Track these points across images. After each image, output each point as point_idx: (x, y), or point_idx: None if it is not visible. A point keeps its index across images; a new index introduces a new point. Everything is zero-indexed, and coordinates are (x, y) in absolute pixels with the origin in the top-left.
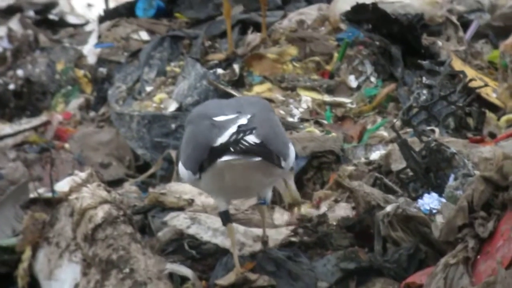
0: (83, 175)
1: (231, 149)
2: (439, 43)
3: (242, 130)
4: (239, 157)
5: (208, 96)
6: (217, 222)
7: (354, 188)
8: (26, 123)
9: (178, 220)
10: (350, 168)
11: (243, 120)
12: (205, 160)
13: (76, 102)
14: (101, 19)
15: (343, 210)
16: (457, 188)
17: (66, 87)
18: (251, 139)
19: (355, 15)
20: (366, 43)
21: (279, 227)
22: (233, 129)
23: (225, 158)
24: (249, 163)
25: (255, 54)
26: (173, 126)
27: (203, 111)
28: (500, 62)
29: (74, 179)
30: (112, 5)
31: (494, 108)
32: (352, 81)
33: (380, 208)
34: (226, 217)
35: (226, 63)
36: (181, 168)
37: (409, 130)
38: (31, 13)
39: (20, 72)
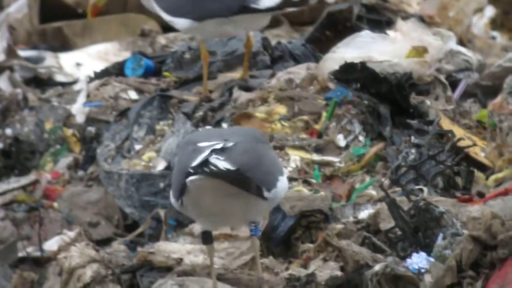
0: (71, 234)
1: (198, 170)
2: (428, 102)
3: (212, 153)
4: (205, 177)
5: None
6: (206, 284)
7: (342, 247)
8: (14, 182)
9: (166, 286)
10: (339, 227)
11: (219, 146)
12: (182, 184)
13: (65, 161)
14: (91, 80)
15: (332, 269)
16: (445, 248)
17: (55, 146)
18: (222, 164)
19: (344, 74)
20: (355, 102)
21: None
22: (206, 153)
23: (191, 178)
24: (216, 183)
25: (244, 114)
26: (161, 185)
27: (192, 138)
28: (489, 121)
29: (63, 238)
30: (102, 65)
31: (482, 167)
32: (341, 140)
33: (369, 268)
34: (207, 237)
35: (215, 122)
36: (171, 196)
37: (398, 189)
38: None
39: (8, 131)
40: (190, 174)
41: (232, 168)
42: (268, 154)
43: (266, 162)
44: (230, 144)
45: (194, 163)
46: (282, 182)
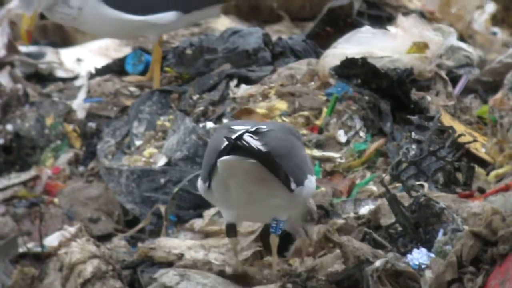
0: (72, 230)
1: (230, 151)
2: (428, 98)
3: (244, 133)
4: (237, 157)
5: (198, 151)
6: (206, 277)
7: (343, 242)
8: (15, 178)
9: (168, 277)
10: (339, 222)
11: (253, 129)
12: (212, 165)
13: (65, 157)
14: (92, 76)
15: (332, 265)
16: (446, 243)
17: (55, 141)
18: (255, 143)
19: (344, 70)
20: (355, 98)
21: (268, 283)
22: (240, 132)
23: (224, 157)
24: (247, 164)
25: (245, 109)
26: (162, 181)
27: (228, 123)
28: (489, 117)
29: (63, 234)
30: (103, 61)
31: (483, 163)
32: (341, 136)
33: (369, 263)
34: (231, 230)
35: (216, 118)
36: (198, 182)
37: (398, 185)
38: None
39: (9, 127)
40: (221, 154)
41: (264, 149)
42: (301, 150)
43: (297, 155)
44: (264, 129)
45: (227, 141)
46: (311, 182)
